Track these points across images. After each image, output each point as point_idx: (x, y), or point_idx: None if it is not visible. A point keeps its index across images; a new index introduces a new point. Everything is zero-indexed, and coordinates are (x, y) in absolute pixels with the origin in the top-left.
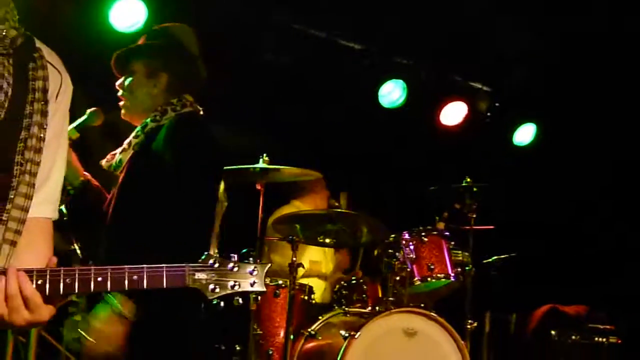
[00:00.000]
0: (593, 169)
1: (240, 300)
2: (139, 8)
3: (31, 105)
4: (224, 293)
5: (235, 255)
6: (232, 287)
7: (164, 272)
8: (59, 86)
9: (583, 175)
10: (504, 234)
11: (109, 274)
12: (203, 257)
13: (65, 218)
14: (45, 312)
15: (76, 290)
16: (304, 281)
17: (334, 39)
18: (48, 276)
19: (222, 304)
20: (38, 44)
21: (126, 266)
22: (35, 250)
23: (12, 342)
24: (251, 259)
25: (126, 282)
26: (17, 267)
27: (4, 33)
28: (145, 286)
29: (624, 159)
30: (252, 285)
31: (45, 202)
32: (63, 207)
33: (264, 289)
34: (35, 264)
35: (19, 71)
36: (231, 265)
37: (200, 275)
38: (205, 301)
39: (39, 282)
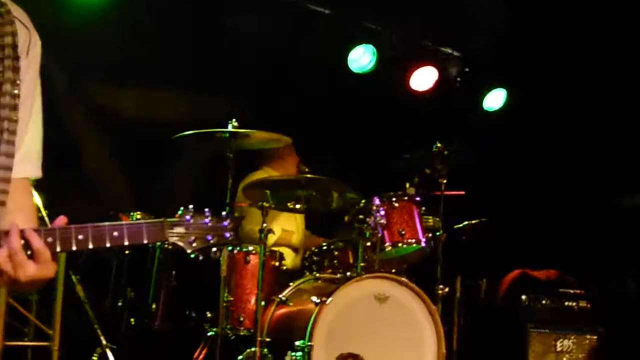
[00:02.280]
0: (562, 133)
1: (218, 253)
2: None
3: (1, 63)
4: (202, 246)
5: (209, 210)
6: (209, 239)
7: (144, 228)
8: (29, 41)
9: (552, 139)
10: (475, 199)
11: (89, 231)
12: (179, 212)
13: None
14: (53, 268)
15: (57, 249)
16: (275, 249)
17: (303, 3)
18: (57, 233)
19: (200, 257)
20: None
21: (106, 223)
22: (25, 211)
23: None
24: (224, 212)
25: (107, 239)
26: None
27: None
28: (126, 242)
29: (592, 122)
30: (228, 237)
31: (24, 161)
32: None
33: (239, 240)
34: (27, 224)
35: None
36: (207, 219)
37: (178, 230)
38: (185, 254)
39: (49, 239)
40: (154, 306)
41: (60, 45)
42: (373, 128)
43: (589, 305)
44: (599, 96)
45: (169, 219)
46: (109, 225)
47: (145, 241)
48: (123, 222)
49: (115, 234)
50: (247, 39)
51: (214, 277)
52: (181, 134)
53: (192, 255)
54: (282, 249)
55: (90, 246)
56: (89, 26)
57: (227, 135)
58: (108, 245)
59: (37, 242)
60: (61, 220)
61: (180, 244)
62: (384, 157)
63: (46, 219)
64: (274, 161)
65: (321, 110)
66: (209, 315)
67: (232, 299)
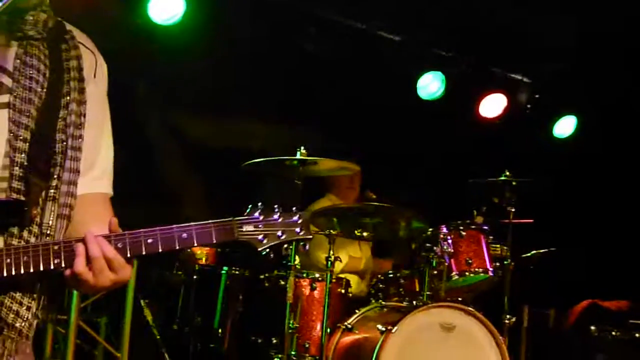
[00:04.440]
0: (632, 161)
1: (289, 250)
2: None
3: (67, 84)
4: (273, 242)
5: (278, 206)
6: (280, 236)
7: (212, 228)
8: (95, 64)
9: (624, 167)
10: (544, 228)
11: (158, 235)
12: (248, 210)
13: None
14: (128, 271)
15: (128, 254)
16: (341, 276)
17: (374, 31)
18: (127, 239)
19: (272, 255)
20: (68, 26)
21: (174, 225)
22: (102, 221)
23: (51, 333)
24: (294, 208)
25: (176, 241)
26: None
27: (37, 17)
28: (195, 243)
29: None
30: (298, 232)
31: (101, 177)
32: None
33: (310, 236)
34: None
35: (54, 53)
36: (276, 215)
37: (247, 228)
38: (255, 252)
39: (119, 245)
40: (220, 331)
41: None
42: (442, 156)
43: None
44: None
45: (237, 218)
46: (177, 227)
47: (215, 240)
48: (191, 224)
49: (184, 235)
50: (319, 66)
51: (280, 303)
52: (251, 161)
53: (263, 253)
54: (349, 276)
55: (160, 249)
56: (169, 56)
57: (296, 162)
58: (177, 247)
59: (108, 251)
60: (112, 222)
61: (251, 242)
62: (452, 185)
63: None
64: (339, 188)
65: (390, 138)
66: (274, 341)
67: (297, 325)
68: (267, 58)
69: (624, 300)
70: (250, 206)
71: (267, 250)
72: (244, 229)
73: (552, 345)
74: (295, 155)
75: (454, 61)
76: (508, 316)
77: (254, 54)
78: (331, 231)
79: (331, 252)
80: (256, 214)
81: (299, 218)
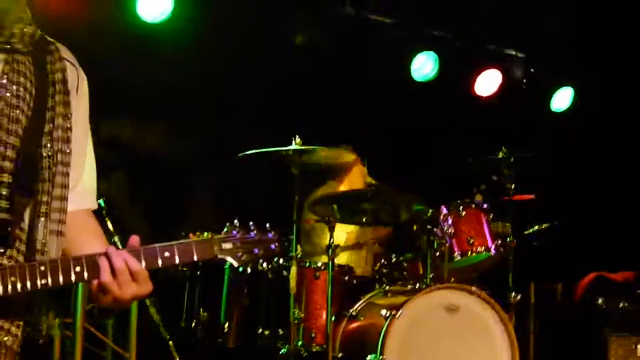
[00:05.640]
0: (632, 130)
1: (265, 264)
2: None
3: (53, 98)
4: (250, 259)
5: (253, 224)
6: (256, 253)
7: (193, 246)
8: (77, 79)
9: (622, 137)
10: (545, 203)
11: (141, 253)
12: (225, 229)
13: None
14: (150, 284)
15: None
16: (343, 255)
17: (364, 14)
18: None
19: (248, 270)
20: (50, 39)
21: (157, 244)
22: (100, 237)
23: (59, 336)
24: (268, 225)
25: (159, 259)
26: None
27: (24, 31)
28: (177, 261)
29: None
30: (273, 248)
31: (86, 193)
32: (101, 201)
33: (284, 252)
34: (103, 249)
35: (38, 67)
36: (252, 233)
37: (226, 245)
38: (233, 268)
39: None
40: (226, 325)
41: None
42: (439, 136)
43: None
44: None
45: (217, 236)
46: (160, 246)
47: (196, 259)
48: (173, 242)
49: (167, 254)
50: (312, 54)
51: (286, 294)
52: (245, 152)
53: (241, 269)
54: (351, 254)
55: (144, 265)
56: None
57: (291, 152)
58: (160, 265)
59: (133, 264)
60: (134, 240)
61: (229, 259)
62: (451, 165)
63: (118, 244)
64: (340, 175)
65: (386, 121)
66: (281, 332)
67: (303, 315)
68: (258, 51)
69: (630, 271)
70: (227, 225)
71: (244, 265)
72: (223, 247)
73: (560, 320)
74: (290, 144)
75: (446, 41)
76: (513, 294)
77: (244, 47)
78: (330, 218)
79: (332, 240)
80: (234, 232)
81: (274, 234)
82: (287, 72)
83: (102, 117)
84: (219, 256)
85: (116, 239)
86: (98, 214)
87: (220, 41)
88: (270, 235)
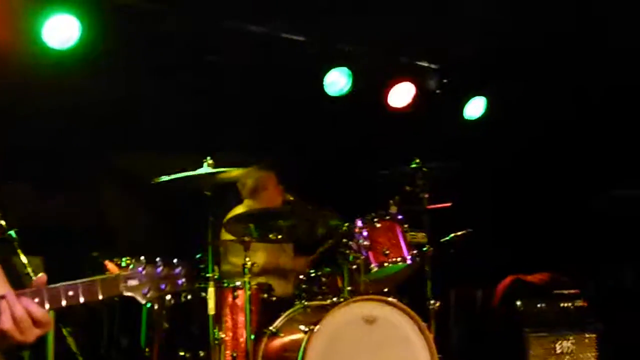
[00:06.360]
0: (543, 136)
1: (172, 301)
2: (73, 24)
3: None
4: (156, 295)
5: (160, 259)
6: (163, 288)
7: (98, 285)
8: None
9: (534, 143)
10: (462, 210)
11: (44, 295)
12: (132, 265)
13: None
14: (50, 324)
15: None
16: (264, 279)
17: (276, 33)
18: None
19: (155, 306)
20: None
21: (61, 284)
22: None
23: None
24: (175, 260)
25: (63, 299)
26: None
27: None
28: (82, 301)
29: (575, 128)
30: (180, 284)
31: None
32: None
33: (192, 286)
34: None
35: None
36: (159, 269)
37: (132, 282)
38: (139, 305)
39: (36, 300)
40: (147, 350)
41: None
42: (355, 150)
43: (585, 304)
44: (577, 99)
45: (122, 273)
46: (64, 286)
47: (100, 297)
48: (78, 281)
49: (71, 293)
50: (226, 73)
51: (204, 315)
52: (159, 178)
53: (148, 305)
54: (272, 279)
55: (47, 307)
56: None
57: (203, 175)
58: (64, 305)
59: (35, 312)
60: (39, 280)
61: (135, 295)
62: (367, 177)
63: (32, 275)
64: (257, 194)
65: (303, 138)
66: (202, 354)
67: (223, 336)
68: (169, 74)
69: (545, 272)
70: (133, 260)
71: (151, 302)
72: (128, 284)
73: (481, 325)
74: (201, 166)
75: (359, 55)
76: (432, 301)
77: (155, 71)
78: (244, 238)
79: (247, 259)
80: (139, 268)
81: (181, 269)
82: (200, 92)
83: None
84: (125, 293)
85: (29, 269)
86: (10, 245)
87: (129, 64)
88: (177, 270)
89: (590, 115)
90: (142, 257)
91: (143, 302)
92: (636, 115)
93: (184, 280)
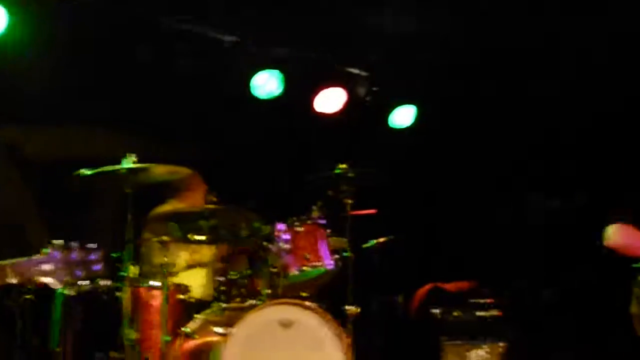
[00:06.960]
0: (472, 149)
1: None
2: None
3: None
4: (72, 281)
5: (75, 243)
6: (78, 274)
7: (7, 269)
8: None
9: (459, 154)
10: (386, 217)
11: None
12: (46, 249)
13: None
14: None
15: None
16: (186, 273)
17: (206, 32)
18: None
19: (72, 292)
20: None
21: None
22: None
23: None
24: (93, 245)
25: None
26: None
27: None
28: None
29: (503, 138)
30: (96, 269)
31: None
32: None
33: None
34: None
35: None
36: (74, 253)
37: (46, 267)
38: (53, 290)
39: None
40: (59, 350)
41: None
42: (284, 154)
43: (500, 314)
44: (509, 108)
45: (35, 257)
46: None
47: (10, 281)
48: None
49: None
50: (152, 72)
51: (119, 315)
52: (79, 171)
53: (66, 292)
54: (196, 273)
55: None
56: None
57: (125, 171)
58: None
59: None
60: None
61: (49, 280)
62: (294, 182)
63: None
64: (181, 193)
65: (230, 138)
66: (116, 355)
67: (138, 337)
68: (96, 68)
69: (464, 281)
70: (49, 244)
71: (67, 287)
72: (42, 268)
73: (400, 331)
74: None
75: (291, 59)
76: (350, 307)
77: (81, 64)
78: (163, 237)
79: (165, 259)
80: (55, 253)
81: (98, 256)
82: (127, 89)
83: None
84: (38, 278)
85: None
86: None
87: (57, 57)
88: (92, 256)
89: (516, 126)
90: (59, 241)
91: (57, 286)
92: (556, 126)
93: (100, 266)
